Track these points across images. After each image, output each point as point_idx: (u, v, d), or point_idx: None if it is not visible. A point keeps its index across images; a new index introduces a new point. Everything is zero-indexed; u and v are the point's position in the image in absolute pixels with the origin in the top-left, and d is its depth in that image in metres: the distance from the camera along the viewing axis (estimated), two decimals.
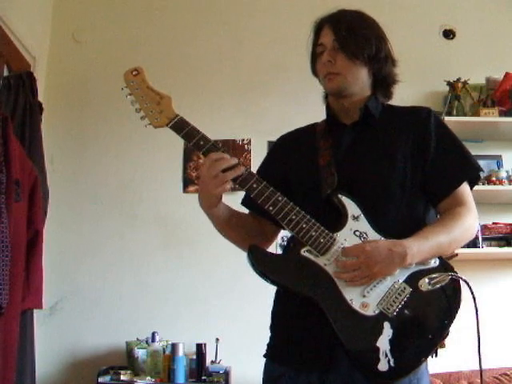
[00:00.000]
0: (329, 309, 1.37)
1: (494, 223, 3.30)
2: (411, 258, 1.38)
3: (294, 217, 1.42)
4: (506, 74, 3.39)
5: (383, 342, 1.35)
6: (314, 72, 1.63)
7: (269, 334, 1.56)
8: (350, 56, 1.51)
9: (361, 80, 1.55)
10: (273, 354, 1.53)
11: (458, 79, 3.43)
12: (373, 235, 1.43)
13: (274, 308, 1.58)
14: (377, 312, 1.37)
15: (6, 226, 2.31)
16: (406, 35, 3.56)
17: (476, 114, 3.38)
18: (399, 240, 1.39)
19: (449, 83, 3.46)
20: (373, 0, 3.69)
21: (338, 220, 1.44)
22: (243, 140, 3.55)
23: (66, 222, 3.45)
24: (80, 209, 3.49)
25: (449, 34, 3.71)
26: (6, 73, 3.20)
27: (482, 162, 3.31)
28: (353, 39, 1.51)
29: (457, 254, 2.87)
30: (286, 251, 1.60)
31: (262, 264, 1.42)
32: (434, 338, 1.37)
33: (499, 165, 3.41)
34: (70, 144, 3.58)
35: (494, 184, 3.26)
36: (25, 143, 2.88)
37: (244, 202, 1.66)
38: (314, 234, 1.41)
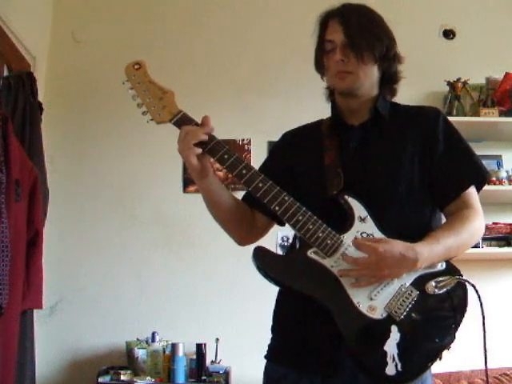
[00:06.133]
0: (335, 312, 1.35)
1: (494, 223, 3.29)
2: (421, 263, 1.36)
3: (300, 217, 1.40)
4: (506, 74, 3.39)
5: (391, 346, 1.33)
6: (319, 68, 1.58)
7: (269, 335, 1.55)
8: (362, 56, 1.46)
9: (372, 79, 1.52)
10: (274, 355, 1.51)
11: (458, 79, 3.43)
12: (379, 237, 1.41)
13: (275, 309, 1.56)
14: (384, 315, 1.35)
15: (5, 226, 2.31)
16: (406, 35, 3.52)
17: (476, 114, 3.37)
18: (411, 244, 1.36)
19: (449, 83, 3.46)
20: (373, 0, 3.70)
21: (344, 221, 1.42)
22: (243, 140, 3.55)
23: (66, 222, 3.45)
24: (80, 209, 3.49)
25: (449, 34, 3.71)
26: (5, 73, 3.20)
27: None
28: (364, 38, 1.47)
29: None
30: (291, 252, 1.56)
31: (267, 265, 1.39)
32: (441, 342, 1.36)
33: (499, 165, 3.41)
34: (70, 144, 3.58)
35: (494, 184, 3.26)
36: (25, 143, 2.88)
37: (243, 198, 1.63)
38: (321, 235, 1.39)
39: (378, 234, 1.41)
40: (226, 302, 3.33)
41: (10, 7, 2.98)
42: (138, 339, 3.16)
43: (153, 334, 3.15)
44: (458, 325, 1.38)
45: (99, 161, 3.55)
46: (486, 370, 1.34)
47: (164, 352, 3.09)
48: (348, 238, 1.40)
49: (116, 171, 3.54)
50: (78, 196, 3.51)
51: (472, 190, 1.51)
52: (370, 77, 1.51)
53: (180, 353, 3.00)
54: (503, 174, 3.30)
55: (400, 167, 1.48)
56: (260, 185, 1.42)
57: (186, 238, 3.46)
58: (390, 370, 1.32)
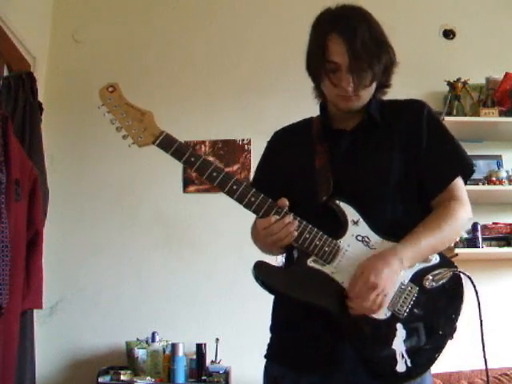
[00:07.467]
0: (342, 317, 1.37)
1: (494, 223, 3.29)
2: (408, 261, 1.40)
3: (296, 228, 1.40)
4: (506, 74, 3.38)
5: (398, 344, 1.36)
6: (314, 75, 1.54)
7: (269, 335, 1.56)
8: (368, 82, 1.45)
9: (371, 93, 1.52)
10: (274, 354, 1.52)
11: (458, 79, 3.43)
12: (374, 238, 1.43)
13: (274, 308, 1.57)
14: (388, 315, 1.38)
15: (5, 226, 2.31)
16: (406, 35, 3.56)
17: (476, 114, 3.37)
18: (391, 249, 1.39)
19: (449, 83, 3.45)
20: (373, 0, 3.70)
21: (337, 226, 1.44)
22: (243, 140, 3.55)
23: (66, 222, 3.45)
24: (80, 209, 3.49)
25: (449, 34, 3.70)
26: (5, 73, 3.20)
27: (481, 162, 3.38)
28: (370, 62, 1.43)
29: (457, 254, 2.88)
30: (290, 262, 1.54)
31: (269, 279, 1.41)
32: (445, 334, 1.40)
33: (499, 165, 3.41)
34: (70, 144, 3.58)
35: (494, 184, 3.26)
36: (25, 143, 2.88)
37: None
38: (318, 243, 1.40)
39: (372, 235, 1.43)
40: (225, 301, 3.33)
41: (10, 7, 2.98)
42: (138, 339, 3.16)
43: (153, 334, 3.14)
44: (458, 314, 1.42)
45: (99, 161, 3.55)
46: (485, 357, 1.36)
47: (164, 352, 3.09)
48: (344, 242, 1.42)
49: (116, 171, 3.54)
50: (77, 196, 3.51)
51: (458, 181, 1.53)
52: (371, 93, 1.52)
53: (180, 353, 3.00)
54: (503, 174, 3.30)
55: (389, 166, 1.49)
56: (252, 199, 1.41)
57: (186, 238, 3.46)
58: (401, 367, 1.35)
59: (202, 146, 3.54)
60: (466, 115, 3.41)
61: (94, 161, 3.56)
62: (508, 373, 2.91)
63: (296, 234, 1.39)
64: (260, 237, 1.45)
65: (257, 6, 3.77)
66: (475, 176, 3.31)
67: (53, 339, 3.27)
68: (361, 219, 1.44)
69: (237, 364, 3.16)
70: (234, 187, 1.41)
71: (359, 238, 1.43)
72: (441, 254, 1.47)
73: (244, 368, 3.11)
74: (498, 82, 3.43)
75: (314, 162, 1.53)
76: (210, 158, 3.51)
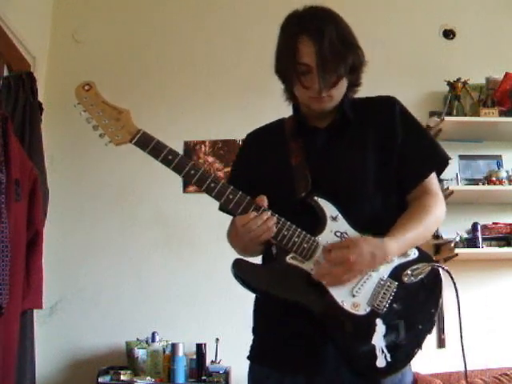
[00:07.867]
0: (322, 314, 1.38)
1: (494, 223, 3.30)
2: (391, 256, 1.41)
3: (274, 224, 1.40)
4: (506, 74, 3.39)
5: (378, 339, 1.37)
6: (285, 77, 1.56)
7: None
8: (338, 81, 1.46)
9: (343, 92, 1.52)
10: (257, 356, 1.54)
11: (458, 79, 3.43)
12: (353, 234, 1.43)
13: (255, 309, 1.58)
14: (368, 310, 1.39)
15: (5, 226, 2.31)
16: (406, 35, 3.56)
17: (476, 114, 3.37)
18: (380, 241, 1.40)
19: (449, 83, 3.45)
20: (373, 1, 3.71)
21: (316, 222, 1.44)
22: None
23: (66, 222, 3.45)
24: (80, 209, 3.49)
25: (449, 34, 3.71)
26: (5, 73, 3.20)
27: (481, 162, 3.37)
28: (339, 64, 1.43)
29: (457, 254, 2.88)
30: (269, 260, 1.54)
31: (249, 277, 1.41)
32: (424, 328, 1.41)
33: (499, 165, 3.41)
34: (70, 144, 3.58)
35: (494, 184, 3.26)
36: (25, 143, 2.88)
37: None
38: (296, 239, 1.40)
39: (350, 232, 1.43)
40: (225, 302, 3.33)
41: (10, 7, 2.98)
42: (138, 339, 3.16)
43: (153, 334, 3.14)
44: (436, 309, 1.43)
45: (99, 161, 3.55)
46: (463, 353, 1.38)
47: (164, 352, 3.09)
48: (323, 238, 1.42)
49: (116, 171, 3.54)
50: (77, 196, 3.51)
51: (432, 175, 1.54)
52: (342, 93, 1.52)
53: (180, 353, 3.00)
54: (503, 174, 3.30)
55: (365, 163, 1.50)
56: (231, 196, 1.41)
57: (186, 238, 3.46)
58: (380, 362, 1.35)
59: (202, 146, 3.54)
60: (466, 115, 3.41)
61: (94, 161, 3.56)
62: (508, 373, 2.91)
63: (275, 229, 1.39)
64: (238, 236, 1.45)
65: (257, 5, 3.77)
66: (475, 176, 3.34)
67: (53, 339, 3.27)
68: (339, 215, 1.44)
69: (237, 364, 3.15)
70: (212, 185, 1.41)
71: (338, 234, 1.43)
72: (419, 249, 1.48)
73: (244, 368, 3.09)
74: (497, 82, 3.43)
75: (289, 160, 1.53)
76: (210, 158, 3.52)
